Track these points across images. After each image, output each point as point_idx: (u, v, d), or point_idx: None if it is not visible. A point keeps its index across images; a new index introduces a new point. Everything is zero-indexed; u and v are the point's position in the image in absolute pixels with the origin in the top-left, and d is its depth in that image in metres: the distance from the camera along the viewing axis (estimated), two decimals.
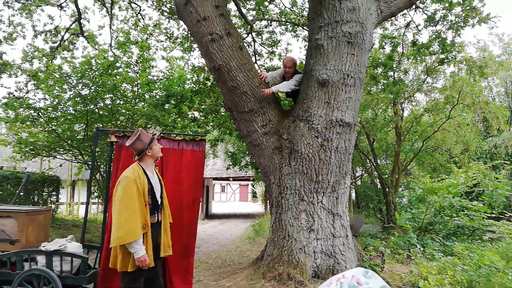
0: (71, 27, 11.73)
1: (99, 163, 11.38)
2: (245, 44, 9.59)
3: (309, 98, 4.85)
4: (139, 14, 12.11)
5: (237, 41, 5.08)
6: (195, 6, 4.94)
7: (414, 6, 8.17)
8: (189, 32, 5.96)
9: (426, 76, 10.78)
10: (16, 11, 11.27)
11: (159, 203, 3.37)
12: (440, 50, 8.65)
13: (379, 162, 13.07)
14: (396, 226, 8.46)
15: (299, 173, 4.66)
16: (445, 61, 9.14)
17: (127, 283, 3.09)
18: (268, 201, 8.98)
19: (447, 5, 7.95)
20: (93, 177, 12.52)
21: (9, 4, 11.02)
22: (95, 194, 13.00)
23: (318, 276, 4.42)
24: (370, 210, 13.06)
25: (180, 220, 4.03)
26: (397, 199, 10.95)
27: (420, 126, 11.87)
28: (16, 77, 11.19)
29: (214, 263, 6.59)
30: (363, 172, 16.02)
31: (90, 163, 11.02)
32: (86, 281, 3.85)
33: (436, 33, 8.43)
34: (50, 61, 11.23)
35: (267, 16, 9.94)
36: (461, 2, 7.85)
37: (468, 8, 7.92)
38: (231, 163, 16.41)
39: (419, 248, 6.67)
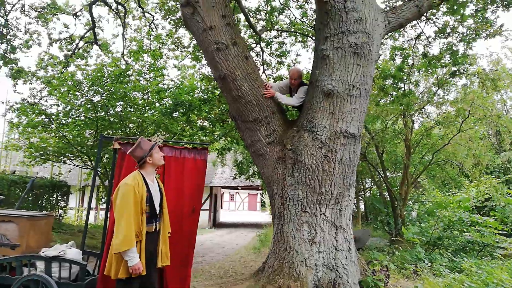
0: (85, 35, 11.95)
1: (107, 170, 11.48)
2: (254, 54, 9.67)
3: (313, 108, 4.82)
4: (152, 24, 12.29)
5: (243, 50, 5.07)
6: (202, 15, 4.97)
7: (424, 18, 8.11)
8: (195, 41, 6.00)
9: (437, 88, 10.65)
10: (32, 19, 11.53)
11: (158, 212, 3.35)
12: (452, 63, 8.54)
13: (388, 174, 12.89)
14: (404, 240, 8.29)
15: (302, 184, 4.60)
16: (457, 73, 9.00)
17: None
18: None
19: (459, 17, 7.87)
20: (102, 184, 12.63)
21: (26, 13, 11.29)
22: (103, 200, 13.08)
23: None
24: (378, 223, 12.85)
25: (179, 229, 4.01)
26: (406, 212, 10.76)
27: (430, 138, 11.69)
28: (31, 83, 11.40)
29: (216, 273, 6.52)
30: (372, 184, 15.82)
31: (98, 169, 11.12)
32: None
33: (447, 45, 8.34)
34: (64, 68, 11.44)
35: (277, 27, 9.98)
36: (474, 14, 7.76)
37: (480, 20, 7.83)
38: (237, 172, 16.40)
39: (427, 264, 6.51)
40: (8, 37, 9.89)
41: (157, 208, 3.34)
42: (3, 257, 3.98)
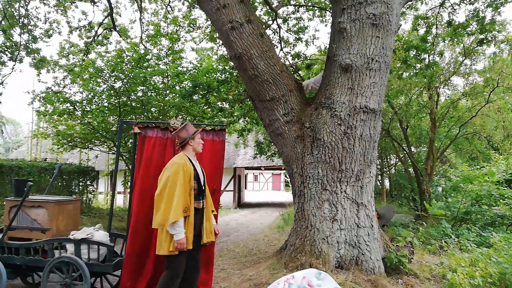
0: (104, 22, 12.03)
1: (132, 155, 11.72)
2: (271, 32, 9.49)
3: (331, 84, 4.71)
4: (168, 6, 12.23)
5: (258, 28, 4.98)
6: None
7: None
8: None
9: (464, 58, 10.20)
10: (51, 8, 11.67)
11: (203, 189, 3.52)
12: (479, 30, 8.11)
13: (413, 150, 12.60)
14: (430, 215, 8.16)
15: (321, 162, 4.55)
16: (484, 41, 8.56)
17: (172, 264, 3.24)
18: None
19: None
20: (128, 168, 12.93)
21: (45, 2, 11.44)
22: (129, 183, 13.42)
23: (342, 267, 4.33)
24: (403, 199, 12.65)
25: None
26: (431, 188, 10.54)
27: (457, 111, 11.29)
28: (54, 72, 11.64)
29: (240, 252, 6.64)
30: (396, 160, 15.53)
31: (124, 154, 11.37)
32: (112, 269, 3.97)
33: (473, 12, 7.92)
34: (85, 56, 11.61)
35: (294, 2, 9.73)
36: None
37: None
38: (257, 152, 16.42)
39: (453, 239, 6.40)
40: (29, 27, 10.06)
41: (203, 186, 3.51)
42: (35, 240, 4.17)
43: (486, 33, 8.04)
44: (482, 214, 7.91)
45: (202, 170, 3.60)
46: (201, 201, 3.46)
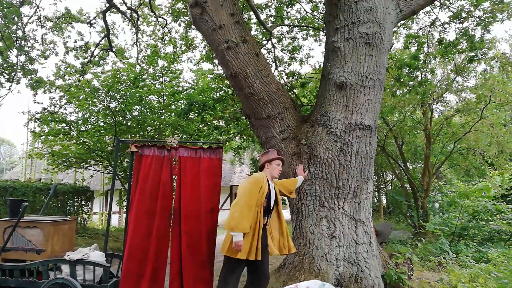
0: (100, 43, 12.13)
1: (128, 173, 11.65)
2: (266, 51, 9.64)
3: (327, 102, 4.78)
4: (165, 28, 12.39)
5: (253, 47, 5.07)
6: (211, 15, 4.99)
7: (438, 3, 7.92)
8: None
9: (456, 75, 10.37)
10: (48, 29, 11.77)
11: (271, 208, 3.75)
12: (469, 48, 8.29)
13: (408, 166, 12.65)
14: (428, 231, 8.13)
15: (318, 178, 4.57)
16: (475, 59, 8.74)
17: (229, 266, 3.58)
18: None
19: (474, 0, 7.65)
20: (123, 187, 12.84)
21: (42, 24, 11.55)
22: (124, 203, 13.30)
23: (341, 285, 4.28)
24: (400, 215, 12.61)
25: (198, 229, 4.03)
26: (428, 204, 10.55)
27: (451, 127, 11.41)
28: (50, 92, 11.65)
29: None
30: (392, 176, 15.56)
31: (120, 173, 11.30)
32: None
33: (463, 30, 8.11)
34: (81, 76, 11.66)
35: (288, 22, 9.92)
36: None
37: (497, 2, 7.58)
38: (253, 170, 16.36)
39: (452, 255, 6.37)
40: (26, 48, 10.13)
41: (272, 205, 3.74)
42: (30, 262, 4.10)
43: (476, 50, 8.21)
44: (479, 229, 7.90)
45: (276, 193, 3.83)
46: (267, 218, 3.69)
